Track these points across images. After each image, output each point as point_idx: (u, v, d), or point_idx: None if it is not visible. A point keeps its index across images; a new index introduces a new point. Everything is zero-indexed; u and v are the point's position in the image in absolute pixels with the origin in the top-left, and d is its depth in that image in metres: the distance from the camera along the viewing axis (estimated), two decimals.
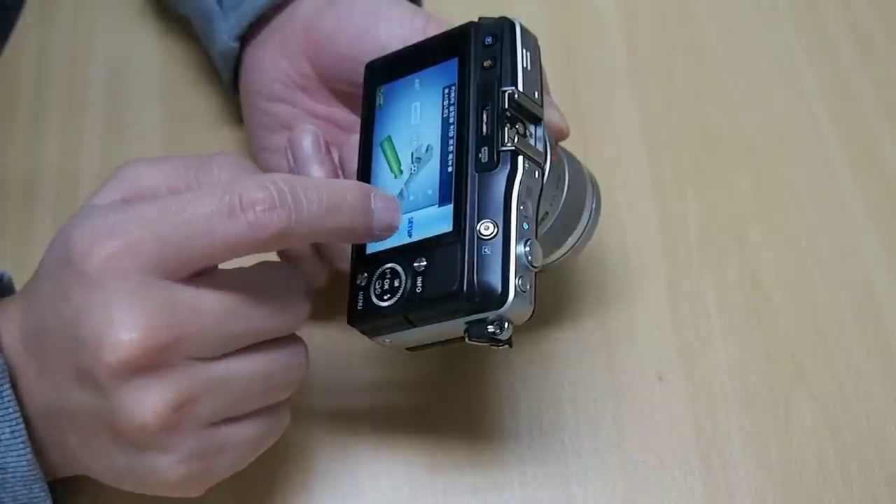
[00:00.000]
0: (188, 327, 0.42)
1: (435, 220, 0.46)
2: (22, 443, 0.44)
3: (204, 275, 0.43)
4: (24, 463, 0.45)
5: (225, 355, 0.44)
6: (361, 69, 0.52)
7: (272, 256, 0.48)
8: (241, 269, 0.45)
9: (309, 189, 0.43)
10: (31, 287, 0.45)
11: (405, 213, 0.47)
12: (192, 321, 0.42)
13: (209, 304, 0.43)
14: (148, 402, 0.42)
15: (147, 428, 0.42)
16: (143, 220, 0.42)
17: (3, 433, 0.44)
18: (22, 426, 0.44)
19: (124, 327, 0.41)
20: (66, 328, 0.42)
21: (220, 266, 0.44)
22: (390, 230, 0.46)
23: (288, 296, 0.45)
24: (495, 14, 0.49)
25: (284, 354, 0.46)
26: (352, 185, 0.45)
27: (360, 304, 0.46)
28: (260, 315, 0.44)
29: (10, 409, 0.44)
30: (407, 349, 0.49)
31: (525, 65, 0.47)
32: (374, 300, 0.46)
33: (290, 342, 0.46)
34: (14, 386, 0.44)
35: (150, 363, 0.41)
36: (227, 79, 0.61)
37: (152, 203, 0.43)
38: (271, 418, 0.47)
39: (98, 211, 0.43)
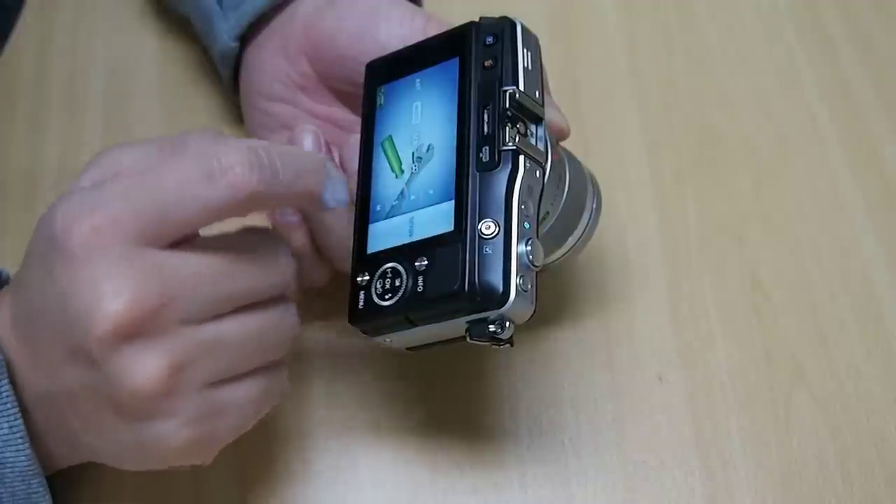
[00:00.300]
0: (175, 291, 0.42)
1: (436, 220, 0.46)
2: (20, 438, 0.44)
3: (186, 242, 0.44)
4: (23, 458, 0.45)
5: (215, 317, 0.44)
6: (362, 69, 0.52)
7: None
8: (222, 234, 0.46)
9: (280, 153, 0.44)
10: (19, 276, 0.46)
11: (406, 212, 0.47)
12: (178, 285, 0.42)
13: (194, 267, 0.43)
14: (142, 368, 0.42)
15: (144, 394, 0.42)
16: (122, 192, 0.42)
17: (2, 428, 0.44)
18: (20, 421, 0.44)
19: (111, 297, 0.41)
20: (55, 308, 0.42)
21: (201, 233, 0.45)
22: (341, 202, 0.47)
23: (271, 255, 0.46)
24: (496, 14, 0.49)
25: (274, 313, 0.46)
26: (310, 153, 0.46)
27: (361, 303, 0.46)
28: (245, 275, 0.45)
29: (9, 405, 0.44)
30: (408, 349, 0.49)
31: (526, 64, 0.47)
32: (376, 300, 0.46)
33: (279, 301, 0.47)
34: (11, 378, 0.44)
35: (140, 330, 0.41)
36: (227, 78, 0.61)
37: (130, 176, 0.43)
38: (269, 378, 0.47)
39: (78, 190, 0.44)
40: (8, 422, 0.44)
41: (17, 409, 0.44)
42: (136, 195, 0.42)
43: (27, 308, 0.44)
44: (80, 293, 0.41)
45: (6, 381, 0.44)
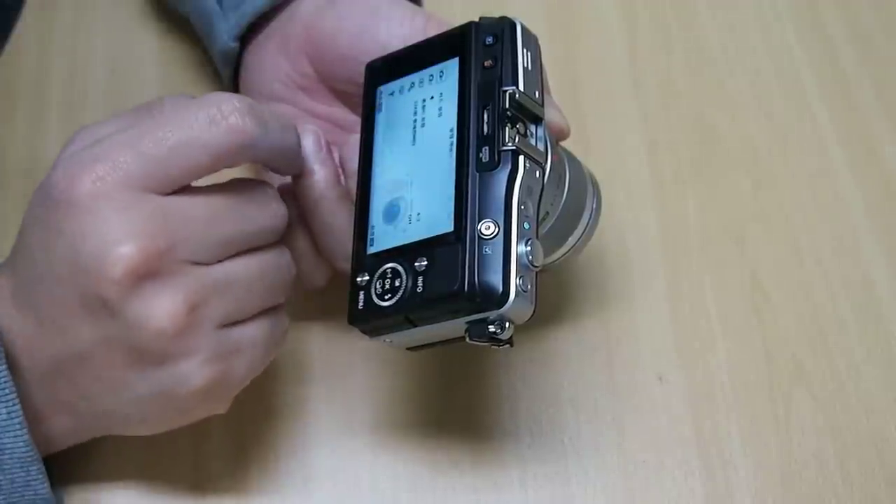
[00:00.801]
0: (182, 232, 0.44)
1: (436, 220, 0.46)
2: (18, 423, 0.45)
3: (187, 189, 0.45)
4: (21, 444, 0.45)
5: (220, 261, 0.45)
6: (362, 69, 0.52)
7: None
8: (218, 183, 0.47)
9: (264, 107, 0.46)
10: (16, 248, 0.46)
11: (406, 212, 0.47)
12: (184, 226, 0.44)
13: (199, 210, 0.45)
14: (161, 307, 0.43)
15: (166, 333, 0.43)
16: (124, 142, 0.44)
17: (0, 414, 0.44)
18: (18, 406, 0.44)
19: (121, 241, 0.42)
20: (64, 263, 0.43)
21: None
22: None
23: (264, 200, 0.48)
24: (496, 14, 0.49)
25: (273, 256, 0.48)
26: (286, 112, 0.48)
27: (360, 303, 0.46)
28: (245, 217, 0.46)
29: (7, 390, 0.44)
30: (408, 349, 0.49)
31: (526, 64, 0.47)
32: (375, 300, 0.46)
33: (275, 246, 0.48)
34: (12, 356, 0.45)
35: (153, 270, 0.43)
36: (228, 78, 0.61)
37: (129, 130, 0.44)
38: (274, 320, 0.49)
39: (74, 152, 0.45)
40: (6, 407, 0.44)
41: (15, 395, 0.44)
42: (139, 143, 0.44)
43: (29, 274, 0.45)
44: (89, 241, 0.43)
45: (4, 365, 0.44)
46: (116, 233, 0.42)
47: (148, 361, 0.44)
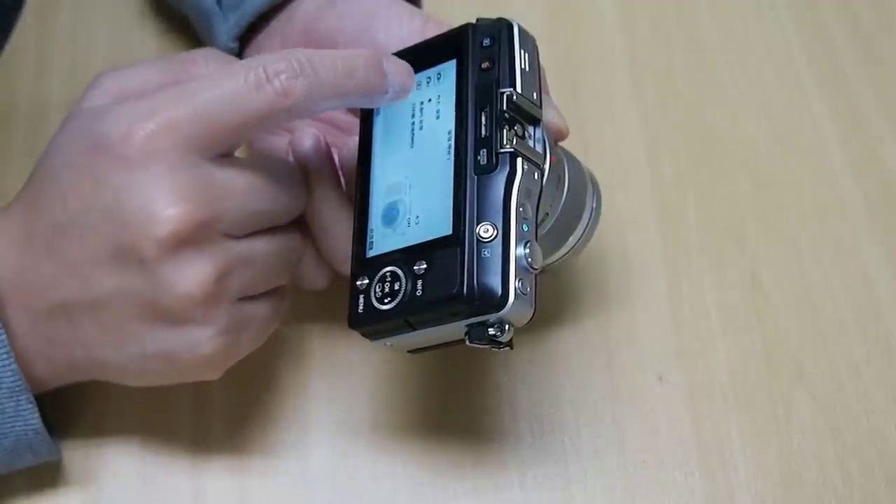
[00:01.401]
0: (224, 203, 0.45)
1: (434, 223, 0.46)
2: (6, 353, 0.45)
3: (228, 158, 0.46)
4: (9, 373, 0.46)
5: (246, 235, 0.47)
6: None
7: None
8: (253, 156, 0.48)
9: (324, 56, 0.45)
10: (35, 191, 0.47)
11: (405, 215, 0.47)
12: (226, 198, 0.45)
13: (239, 183, 0.46)
14: (194, 274, 0.44)
15: (193, 299, 0.44)
16: (176, 98, 0.44)
17: None
18: (4, 336, 0.45)
19: (170, 203, 0.43)
20: (103, 213, 0.44)
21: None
22: (405, 90, 0.47)
23: (293, 181, 0.49)
24: (495, 14, 0.49)
25: (290, 238, 0.49)
26: (363, 52, 0.47)
27: (360, 307, 0.46)
28: (276, 196, 0.47)
29: None
30: (408, 351, 0.49)
31: (523, 66, 0.47)
32: (375, 303, 0.46)
33: (291, 228, 0.50)
34: (4, 292, 0.45)
35: (193, 237, 0.44)
36: None
37: (179, 87, 0.45)
38: (278, 300, 0.50)
39: (121, 102, 0.45)
40: None
41: (1, 326, 0.45)
42: (192, 101, 0.44)
43: (58, 218, 0.45)
44: (137, 197, 0.43)
45: None
46: (165, 193, 0.43)
47: (164, 321, 0.45)
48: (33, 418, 0.47)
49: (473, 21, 0.49)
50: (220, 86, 0.44)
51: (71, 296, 0.45)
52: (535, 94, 0.47)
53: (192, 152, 0.44)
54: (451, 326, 0.45)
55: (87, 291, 0.45)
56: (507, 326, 0.44)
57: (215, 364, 0.48)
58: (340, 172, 0.52)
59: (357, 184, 0.49)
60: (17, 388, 0.46)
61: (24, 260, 0.46)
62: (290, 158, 0.51)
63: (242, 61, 0.45)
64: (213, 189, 0.44)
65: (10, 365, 0.45)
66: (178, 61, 0.49)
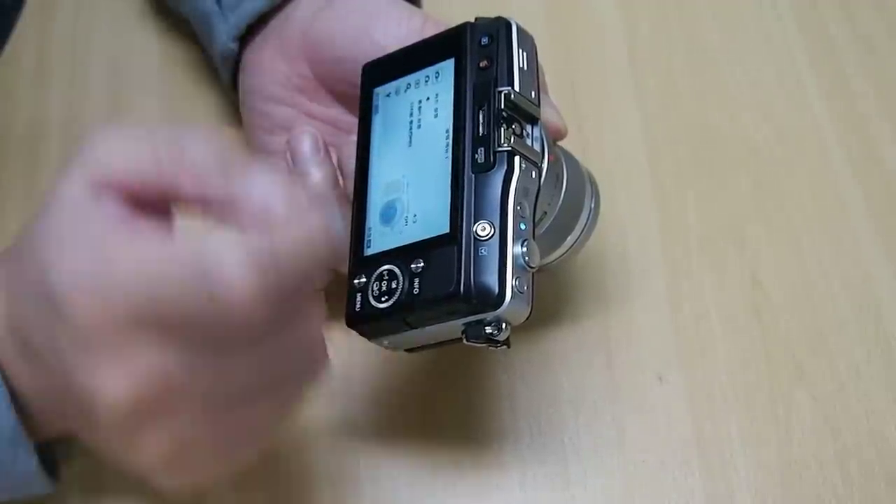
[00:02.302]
0: (182, 393, 0.40)
1: (432, 222, 0.46)
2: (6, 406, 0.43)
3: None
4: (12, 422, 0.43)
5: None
6: (359, 70, 0.52)
7: None
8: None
9: (287, 247, 0.39)
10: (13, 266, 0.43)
11: (403, 214, 0.47)
12: (187, 386, 0.40)
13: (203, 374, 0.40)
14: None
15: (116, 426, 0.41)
16: (122, 285, 0.39)
17: None
18: (2, 387, 0.43)
19: (111, 388, 0.39)
20: (56, 359, 0.40)
21: None
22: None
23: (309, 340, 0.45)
24: (494, 14, 0.49)
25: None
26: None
27: (358, 305, 0.46)
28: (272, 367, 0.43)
29: None
30: (406, 350, 0.49)
31: (521, 65, 0.47)
32: (372, 302, 0.46)
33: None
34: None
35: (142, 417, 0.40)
36: (227, 79, 0.61)
37: (130, 264, 0.39)
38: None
39: (77, 248, 0.40)
40: None
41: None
42: (134, 291, 0.38)
43: (27, 333, 0.42)
44: (84, 375, 0.40)
45: None
46: (106, 378, 0.39)
47: None
48: (30, 465, 0.45)
49: (472, 20, 0.49)
50: (166, 286, 0.38)
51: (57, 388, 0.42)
52: (533, 93, 0.47)
53: (134, 331, 0.39)
54: (449, 325, 0.45)
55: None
56: (503, 325, 0.44)
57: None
58: (339, 172, 0.52)
59: (355, 182, 0.49)
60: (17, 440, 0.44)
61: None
62: (287, 160, 0.50)
63: (199, 256, 0.38)
64: (171, 379, 0.39)
65: (9, 416, 0.43)
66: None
